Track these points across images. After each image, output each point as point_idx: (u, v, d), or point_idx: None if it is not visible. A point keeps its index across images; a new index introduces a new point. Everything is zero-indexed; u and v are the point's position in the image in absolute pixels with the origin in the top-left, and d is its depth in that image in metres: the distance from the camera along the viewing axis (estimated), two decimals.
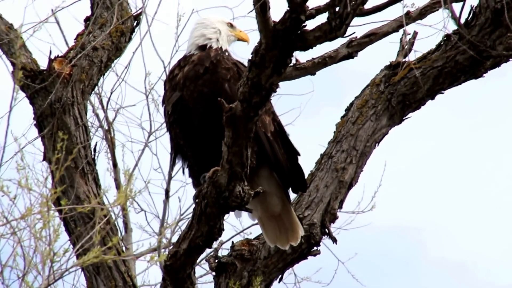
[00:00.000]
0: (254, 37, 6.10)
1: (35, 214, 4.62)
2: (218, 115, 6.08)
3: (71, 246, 7.00)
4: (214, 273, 7.82)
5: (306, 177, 7.70)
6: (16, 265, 4.94)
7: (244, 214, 7.01)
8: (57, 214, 5.59)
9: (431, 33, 6.76)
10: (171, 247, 7.07)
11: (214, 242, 6.59)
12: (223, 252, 7.89)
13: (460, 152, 13.26)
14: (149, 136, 10.11)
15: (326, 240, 7.85)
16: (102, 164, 9.78)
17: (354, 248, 9.20)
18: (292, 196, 7.18)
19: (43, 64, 7.90)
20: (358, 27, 5.88)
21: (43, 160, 7.82)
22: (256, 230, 8.11)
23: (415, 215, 13.07)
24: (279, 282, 7.91)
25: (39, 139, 7.83)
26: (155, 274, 13.53)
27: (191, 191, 6.64)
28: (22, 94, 7.85)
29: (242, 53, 6.96)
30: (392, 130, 7.91)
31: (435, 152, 13.23)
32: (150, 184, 9.66)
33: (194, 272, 6.75)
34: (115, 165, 9.78)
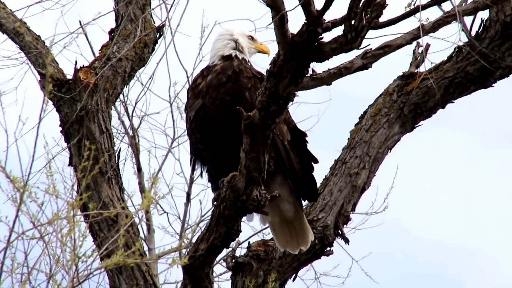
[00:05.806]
0: (274, 48, 6.04)
1: (61, 219, 4.59)
2: (238, 122, 6.04)
3: (96, 248, 6.98)
4: (231, 272, 7.79)
5: (320, 182, 7.68)
6: (43, 268, 4.91)
7: (255, 218, 6.95)
8: (82, 218, 5.55)
9: (443, 45, 6.69)
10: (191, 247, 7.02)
11: (232, 243, 6.54)
12: (240, 252, 7.86)
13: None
14: (172, 142, 10.08)
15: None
16: (127, 169, 9.77)
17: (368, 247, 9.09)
18: (304, 202, 7.10)
19: (69, 74, 7.85)
20: (373, 39, 5.86)
21: (69, 165, 7.77)
22: None
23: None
24: (293, 280, 7.87)
25: (65, 142, 7.77)
26: (177, 272, 13.47)
27: (211, 195, 6.61)
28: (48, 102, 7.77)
29: (262, 64, 6.92)
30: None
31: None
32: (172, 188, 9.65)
33: (212, 271, 6.71)
34: (139, 169, 9.76)
